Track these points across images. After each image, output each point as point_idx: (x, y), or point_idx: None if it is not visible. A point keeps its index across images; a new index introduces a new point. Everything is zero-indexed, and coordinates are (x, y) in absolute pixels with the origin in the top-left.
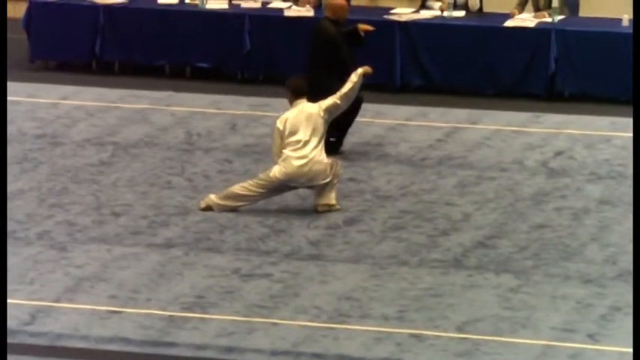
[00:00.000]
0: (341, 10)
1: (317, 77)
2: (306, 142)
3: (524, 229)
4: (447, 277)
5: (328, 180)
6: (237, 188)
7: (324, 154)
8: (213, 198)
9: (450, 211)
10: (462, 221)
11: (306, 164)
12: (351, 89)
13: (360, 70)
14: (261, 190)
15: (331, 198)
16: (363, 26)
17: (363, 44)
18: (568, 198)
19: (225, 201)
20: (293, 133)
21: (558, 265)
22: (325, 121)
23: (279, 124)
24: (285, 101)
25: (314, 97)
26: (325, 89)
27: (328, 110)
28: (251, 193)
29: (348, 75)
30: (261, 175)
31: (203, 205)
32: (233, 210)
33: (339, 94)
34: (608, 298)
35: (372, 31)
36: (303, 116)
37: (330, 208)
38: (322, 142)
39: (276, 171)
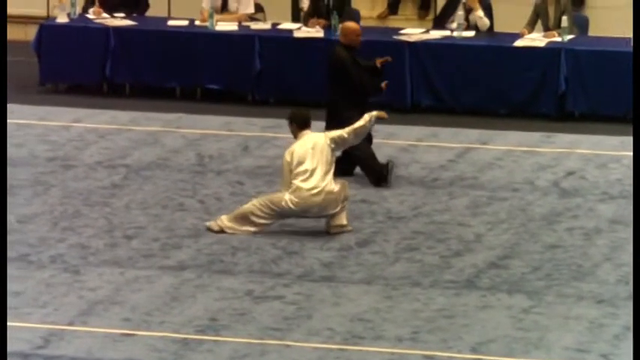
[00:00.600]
0: (352, 34)
1: (333, 103)
2: (313, 171)
3: (536, 249)
4: (459, 298)
5: (339, 209)
6: (248, 208)
7: (334, 183)
8: (224, 220)
9: (463, 231)
10: (475, 242)
11: (318, 194)
12: (362, 127)
13: (374, 113)
14: (272, 214)
15: (343, 219)
16: (380, 60)
17: (382, 76)
18: (580, 218)
19: (237, 224)
20: (300, 163)
21: (571, 286)
22: (332, 150)
23: (287, 157)
24: None
25: (330, 123)
26: (341, 115)
27: (334, 141)
28: (263, 216)
29: (364, 100)
30: (274, 200)
31: (216, 227)
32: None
33: (349, 128)
34: (621, 318)
35: (390, 60)
36: (310, 145)
37: (342, 229)
38: (331, 172)
39: (289, 200)
